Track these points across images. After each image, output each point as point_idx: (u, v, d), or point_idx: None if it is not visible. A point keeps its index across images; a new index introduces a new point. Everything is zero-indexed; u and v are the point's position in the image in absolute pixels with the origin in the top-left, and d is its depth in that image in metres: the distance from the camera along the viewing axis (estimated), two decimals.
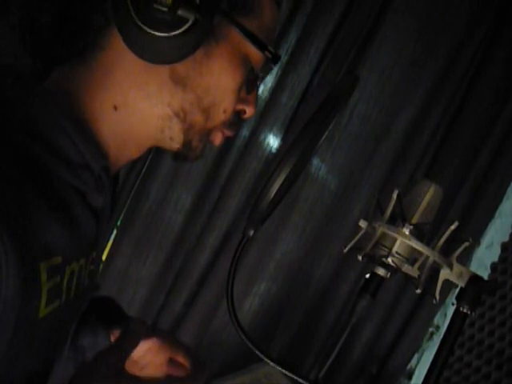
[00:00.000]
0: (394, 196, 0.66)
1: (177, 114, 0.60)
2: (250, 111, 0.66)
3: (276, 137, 1.54)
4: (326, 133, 0.67)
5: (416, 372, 1.70)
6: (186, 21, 0.53)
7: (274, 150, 1.54)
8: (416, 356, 1.70)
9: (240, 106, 0.65)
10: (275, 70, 1.50)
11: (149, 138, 0.63)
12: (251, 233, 0.62)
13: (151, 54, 0.55)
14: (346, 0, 1.48)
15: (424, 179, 0.70)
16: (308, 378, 0.64)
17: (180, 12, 0.52)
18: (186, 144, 0.63)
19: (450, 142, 1.62)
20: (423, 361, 1.69)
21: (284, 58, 1.50)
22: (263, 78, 0.66)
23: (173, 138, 0.62)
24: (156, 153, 1.48)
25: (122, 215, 1.53)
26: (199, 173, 1.52)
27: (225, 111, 0.62)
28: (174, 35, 0.53)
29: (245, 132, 1.51)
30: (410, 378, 1.70)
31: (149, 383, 0.59)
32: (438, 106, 1.58)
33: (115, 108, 0.59)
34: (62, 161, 0.53)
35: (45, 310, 0.50)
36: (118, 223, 1.53)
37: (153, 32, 0.53)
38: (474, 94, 1.59)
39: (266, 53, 0.61)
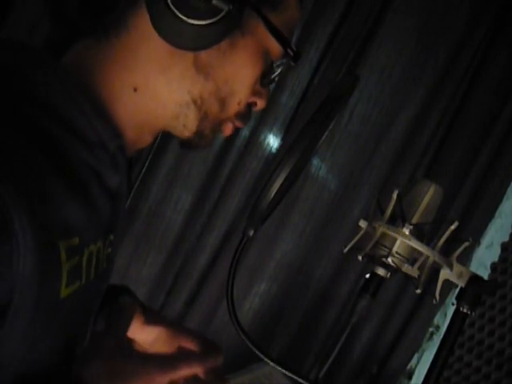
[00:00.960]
0: (394, 196, 0.66)
1: (194, 102, 0.60)
2: (260, 104, 0.66)
3: (276, 137, 1.54)
4: (326, 133, 0.67)
5: (416, 372, 1.70)
6: (220, 11, 0.53)
7: (274, 150, 1.54)
8: (416, 356, 1.70)
9: (252, 99, 0.65)
10: None
11: (162, 123, 0.63)
12: (251, 233, 0.62)
13: (179, 39, 0.55)
14: (345, 0, 1.48)
15: (424, 179, 0.70)
16: (308, 378, 0.64)
17: (215, 2, 0.52)
18: (198, 132, 0.63)
19: (450, 141, 1.62)
20: (423, 361, 1.69)
21: None
22: (281, 74, 0.66)
23: (186, 126, 0.62)
24: (156, 153, 1.48)
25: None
26: (199, 173, 1.52)
27: (239, 103, 0.63)
28: (206, 24, 0.53)
29: (245, 132, 1.51)
30: (410, 378, 1.70)
31: (154, 358, 0.60)
32: (438, 105, 1.58)
33: (135, 89, 0.58)
34: (78, 139, 0.53)
35: (65, 290, 0.50)
36: None
37: (185, 19, 0.53)
38: (474, 94, 1.59)
39: (288, 50, 0.61)
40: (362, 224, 0.71)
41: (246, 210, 1.52)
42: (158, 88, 0.59)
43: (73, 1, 0.56)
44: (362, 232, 0.71)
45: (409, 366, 1.70)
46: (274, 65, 0.63)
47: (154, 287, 1.56)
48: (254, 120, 1.51)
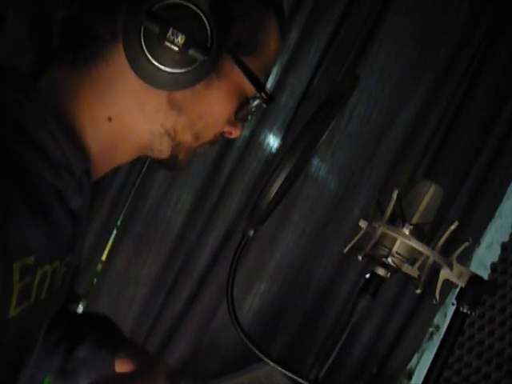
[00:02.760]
0: (394, 196, 0.66)
1: (168, 133, 0.62)
2: (236, 134, 0.68)
3: (276, 137, 1.54)
4: (326, 133, 0.67)
5: (416, 372, 1.70)
6: (195, 60, 0.55)
7: (274, 150, 1.54)
8: (416, 356, 1.70)
9: (227, 129, 0.67)
10: (275, 70, 1.50)
11: (138, 149, 0.65)
12: (251, 233, 0.62)
13: (154, 80, 0.56)
14: (345, 0, 1.48)
15: (424, 179, 0.70)
16: (308, 378, 0.64)
17: (190, 52, 0.54)
18: (173, 157, 0.65)
19: (450, 141, 1.62)
20: (423, 361, 1.69)
21: (284, 58, 1.50)
22: (254, 112, 0.68)
23: (161, 151, 0.64)
24: None
25: (122, 215, 1.53)
26: (199, 173, 1.52)
27: (215, 134, 0.65)
28: (181, 72, 0.55)
29: (245, 132, 1.51)
30: (410, 378, 1.70)
31: None
32: (438, 105, 1.58)
33: (109, 119, 0.60)
34: (44, 160, 0.54)
35: (15, 310, 0.50)
36: (118, 223, 1.53)
37: (161, 66, 0.54)
38: (474, 93, 1.59)
39: (262, 94, 0.63)
40: (362, 224, 0.71)
41: (246, 210, 1.52)
42: (133, 119, 0.60)
43: (56, 30, 0.57)
44: (362, 232, 0.71)
45: (409, 366, 1.70)
46: (250, 100, 0.65)
47: (154, 287, 1.56)
48: (254, 120, 1.51)
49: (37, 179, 0.52)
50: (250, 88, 0.63)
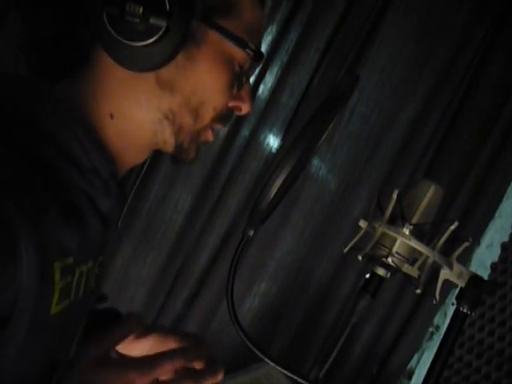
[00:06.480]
0: (394, 196, 0.66)
1: (166, 117, 0.62)
2: (245, 108, 0.67)
3: (276, 137, 1.54)
4: (326, 133, 0.67)
5: (416, 372, 1.70)
6: (159, 29, 0.54)
7: (274, 150, 1.54)
8: (416, 356, 1.70)
9: (233, 103, 0.65)
10: (275, 70, 1.50)
11: (146, 143, 0.65)
12: (251, 233, 0.62)
13: (132, 62, 0.57)
14: (345, 0, 1.48)
15: (424, 179, 0.70)
16: (308, 377, 0.64)
17: (152, 20, 0.54)
18: (178, 146, 0.65)
19: (450, 141, 1.62)
20: (423, 361, 1.69)
21: (284, 58, 1.50)
22: (250, 75, 0.66)
23: (166, 141, 0.64)
24: (156, 153, 1.48)
25: (122, 215, 1.52)
26: (199, 173, 1.52)
27: (214, 109, 0.63)
28: (150, 43, 0.55)
29: (245, 132, 1.51)
30: (410, 378, 1.70)
31: (132, 361, 0.62)
32: (438, 105, 1.58)
33: (112, 116, 0.61)
34: (74, 165, 0.56)
35: (56, 307, 0.52)
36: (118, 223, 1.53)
37: (130, 42, 0.55)
38: (474, 93, 1.59)
39: (248, 50, 0.61)
40: (362, 224, 0.71)
41: (246, 210, 1.52)
42: (131, 111, 0.61)
43: (45, 47, 0.59)
44: (362, 232, 0.71)
45: (409, 366, 1.70)
46: (244, 67, 0.64)
47: (154, 287, 1.56)
48: (254, 120, 1.51)
49: (68, 183, 0.55)
50: (236, 51, 0.61)
